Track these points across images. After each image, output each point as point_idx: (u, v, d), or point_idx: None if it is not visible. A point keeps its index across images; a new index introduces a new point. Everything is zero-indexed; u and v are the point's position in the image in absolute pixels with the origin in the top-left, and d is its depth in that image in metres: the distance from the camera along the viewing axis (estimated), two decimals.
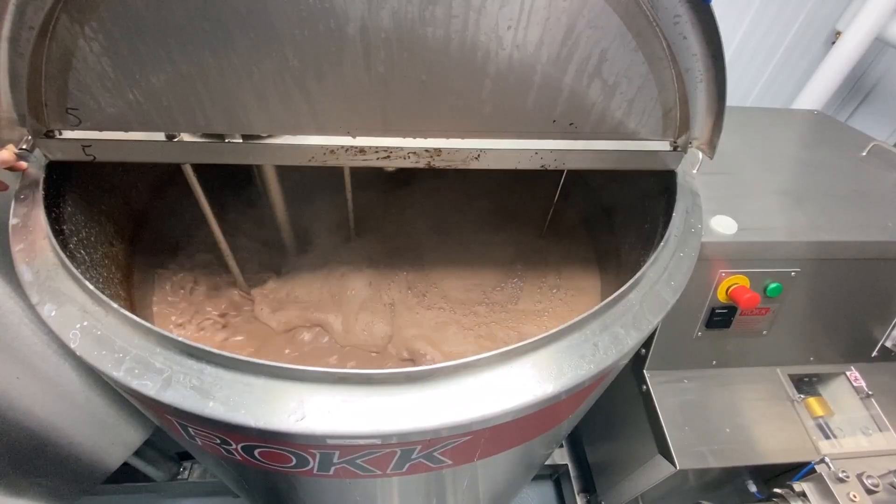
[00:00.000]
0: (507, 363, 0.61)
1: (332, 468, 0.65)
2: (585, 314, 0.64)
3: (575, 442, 1.70)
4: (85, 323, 0.60)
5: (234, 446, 0.63)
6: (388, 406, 0.56)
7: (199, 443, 0.65)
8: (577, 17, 0.63)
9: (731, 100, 0.73)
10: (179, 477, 1.60)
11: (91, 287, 0.60)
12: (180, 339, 0.56)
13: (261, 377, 0.56)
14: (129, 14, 0.59)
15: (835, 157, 1.25)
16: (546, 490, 1.81)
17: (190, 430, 0.62)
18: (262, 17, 0.60)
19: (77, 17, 0.59)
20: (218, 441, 0.62)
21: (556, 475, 1.79)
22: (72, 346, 0.58)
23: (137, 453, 1.33)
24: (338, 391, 0.56)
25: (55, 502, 1.13)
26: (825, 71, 2.01)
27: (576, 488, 1.62)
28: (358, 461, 0.64)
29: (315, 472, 0.66)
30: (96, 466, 1.18)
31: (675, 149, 0.80)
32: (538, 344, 0.61)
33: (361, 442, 0.58)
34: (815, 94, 2.07)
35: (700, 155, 0.83)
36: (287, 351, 1.01)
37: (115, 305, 0.59)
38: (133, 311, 0.89)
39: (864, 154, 1.28)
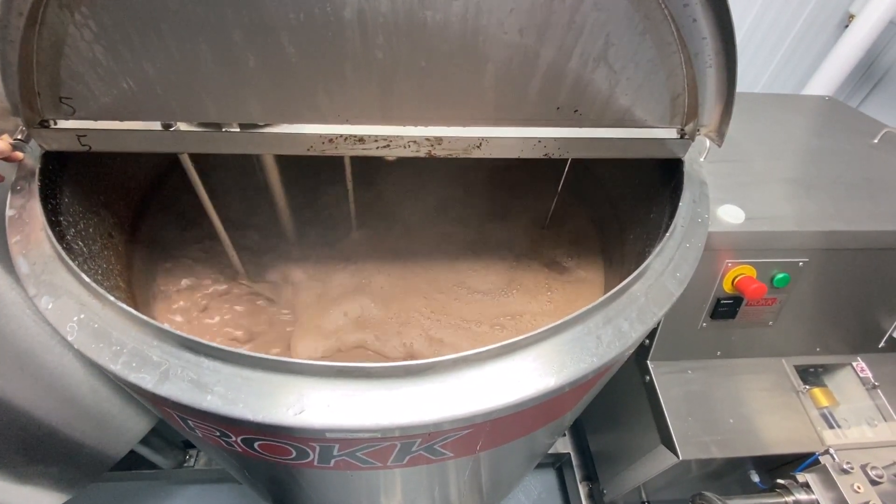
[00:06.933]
0: (509, 356, 0.60)
1: (332, 460, 0.65)
2: (588, 306, 0.63)
3: (578, 431, 1.71)
4: (82, 315, 0.59)
5: (233, 439, 0.62)
6: (388, 400, 0.55)
7: (199, 435, 0.65)
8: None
9: (740, 86, 0.70)
10: (185, 464, 1.62)
11: (87, 279, 0.60)
12: (177, 332, 0.56)
13: (259, 370, 0.56)
14: None
15: (846, 145, 1.22)
16: (548, 478, 1.82)
17: (189, 422, 0.62)
18: (257, 1, 0.59)
19: (66, 1, 0.57)
20: (217, 433, 0.62)
21: (558, 464, 1.80)
22: (69, 338, 0.57)
23: (143, 441, 1.34)
24: (337, 385, 0.56)
25: (62, 490, 1.14)
26: (837, 55, 1.96)
27: (578, 477, 1.63)
28: (358, 454, 0.64)
29: (315, 464, 0.66)
30: (102, 454, 1.19)
31: (682, 136, 0.78)
32: (540, 336, 0.60)
33: (361, 436, 0.58)
34: (826, 80, 2.02)
35: (707, 143, 0.81)
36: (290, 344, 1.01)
37: (112, 298, 0.58)
38: (134, 302, 0.89)
39: (875, 141, 1.25)
